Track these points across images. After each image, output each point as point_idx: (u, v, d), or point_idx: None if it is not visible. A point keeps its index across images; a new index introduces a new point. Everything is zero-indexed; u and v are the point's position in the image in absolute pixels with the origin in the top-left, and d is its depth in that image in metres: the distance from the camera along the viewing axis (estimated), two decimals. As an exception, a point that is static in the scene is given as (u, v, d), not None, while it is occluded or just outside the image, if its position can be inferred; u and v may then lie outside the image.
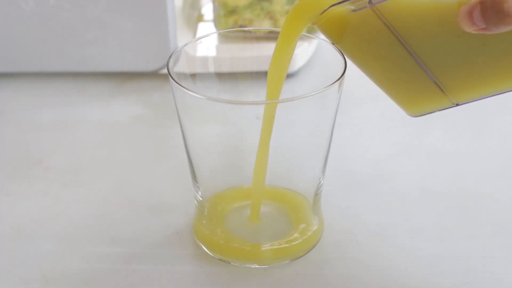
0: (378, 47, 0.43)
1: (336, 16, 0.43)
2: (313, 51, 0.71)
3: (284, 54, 0.46)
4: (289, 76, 0.63)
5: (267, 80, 0.47)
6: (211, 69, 0.53)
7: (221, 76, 0.53)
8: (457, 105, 0.43)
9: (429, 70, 0.42)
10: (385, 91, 0.46)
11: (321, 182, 0.51)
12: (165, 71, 0.73)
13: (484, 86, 0.42)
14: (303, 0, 0.44)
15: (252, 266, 0.50)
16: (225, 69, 0.54)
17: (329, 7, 0.42)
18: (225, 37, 0.67)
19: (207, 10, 0.82)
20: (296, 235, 0.50)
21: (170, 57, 0.48)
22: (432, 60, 0.41)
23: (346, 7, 0.42)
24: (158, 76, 0.75)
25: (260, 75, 0.55)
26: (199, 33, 0.77)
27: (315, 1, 0.44)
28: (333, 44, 0.47)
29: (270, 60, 0.46)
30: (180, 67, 0.49)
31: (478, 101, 0.43)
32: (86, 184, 0.59)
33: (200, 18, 0.81)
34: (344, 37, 0.44)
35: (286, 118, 0.47)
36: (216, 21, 0.74)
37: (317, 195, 0.51)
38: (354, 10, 0.41)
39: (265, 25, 0.72)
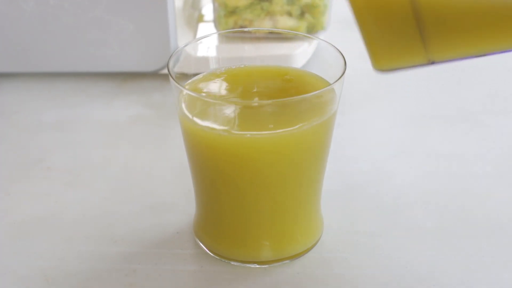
0: None
1: None
2: (313, 51, 0.71)
3: None
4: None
5: None
6: (211, 69, 0.53)
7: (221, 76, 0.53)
8: (433, 63, 0.42)
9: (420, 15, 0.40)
10: (363, 34, 0.43)
11: (321, 182, 0.51)
12: (165, 71, 0.73)
13: (466, 42, 0.41)
14: None
15: (252, 266, 0.50)
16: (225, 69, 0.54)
17: None
18: (225, 37, 0.67)
19: (208, 10, 0.82)
20: (296, 234, 0.50)
21: (170, 57, 0.48)
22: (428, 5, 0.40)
23: None
24: (158, 76, 0.75)
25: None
26: (199, 34, 0.77)
27: None
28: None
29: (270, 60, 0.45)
30: (180, 67, 0.49)
31: (455, 62, 0.42)
32: (86, 184, 0.59)
33: (200, 18, 0.81)
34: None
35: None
36: (217, 22, 0.74)
37: (317, 194, 0.51)
38: None
39: (265, 25, 0.72)
